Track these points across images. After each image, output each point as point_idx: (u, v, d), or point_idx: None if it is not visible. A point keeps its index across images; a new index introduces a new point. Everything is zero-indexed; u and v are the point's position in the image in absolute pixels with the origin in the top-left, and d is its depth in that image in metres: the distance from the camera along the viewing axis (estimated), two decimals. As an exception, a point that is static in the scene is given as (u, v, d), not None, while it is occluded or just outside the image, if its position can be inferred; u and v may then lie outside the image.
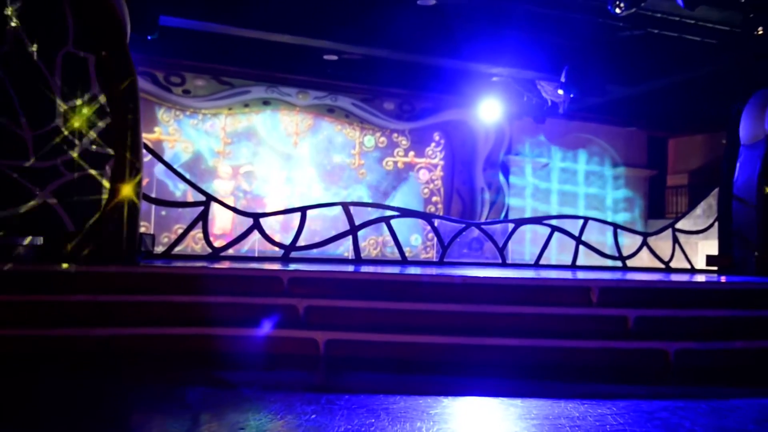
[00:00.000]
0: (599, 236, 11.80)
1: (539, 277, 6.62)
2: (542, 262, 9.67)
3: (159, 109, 13.66)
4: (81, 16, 6.25)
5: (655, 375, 5.24)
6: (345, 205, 8.79)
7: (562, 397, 4.24)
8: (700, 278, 7.69)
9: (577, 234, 9.63)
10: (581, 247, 9.60)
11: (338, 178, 15.01)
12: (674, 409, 4.05)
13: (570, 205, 16.08)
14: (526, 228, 11.48)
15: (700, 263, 10.10)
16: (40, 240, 5.93)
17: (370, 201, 14.41)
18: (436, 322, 5.70)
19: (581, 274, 7.60)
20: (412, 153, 15.73)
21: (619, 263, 9.69)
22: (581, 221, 9.75)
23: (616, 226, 10.11)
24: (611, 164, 16.85)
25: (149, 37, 9.36)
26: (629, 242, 11.10)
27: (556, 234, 9.58)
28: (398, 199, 15.12)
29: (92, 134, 6.28)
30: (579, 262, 9.63)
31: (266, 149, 14.45)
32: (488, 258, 13.31)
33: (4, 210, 5.98)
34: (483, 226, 10.00)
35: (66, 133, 6.20)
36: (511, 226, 9.98)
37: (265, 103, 14.34)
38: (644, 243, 9.95)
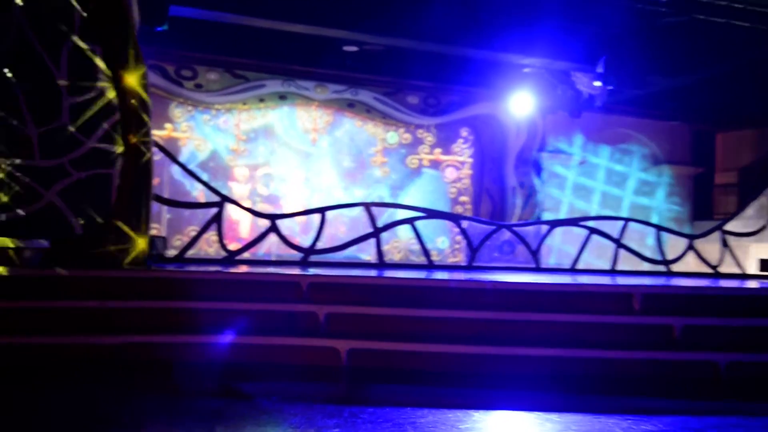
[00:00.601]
0: (641, 239, 11.65)
1: (576, 283, 6.55)
2: (579, 266, 9.59)
3: (170, 105, 13.77)
4: (87, 6, 6.32)
5: (704, 389, 5.15)
6: (367, 206, 8.79)
7: (602, 412, 4.18)
8: (753, 284, 7.56)
9: (616, 236, 9.53)
10: (621, 251, 9.49)
11: (359, 177, 15.00)
12: (725, 427, 3.97)
13: (608, 206, 15.90)
14: (562, 230, 11.38)
15: (752, 268, 9.93)
16: (46, 243, 6.00)
17: (392, 201, 14.38)
18: (465, 330, 5.67)
19: (622, 280, 7.52)
20: (438, 150, 15.66)
21: (662, 268, 9.58)
22: (621, 222, 9.65)
23: (659, 228, 10.00)
24: (653, 161, 16.64)
25: (159, 29, 9.44)
26: (673, 245, 10.95)
27: (594, 237, 9.49)
28: (421, 198, 15.07)
29: (100, 131, 6.35)
30: (619, 267, 9.53)
31: (283, 147, 14.49)
32: (520, 262, 13.20)
33: (8, 211, 6.06)
34: (515, 228, 9.94)
35: (73, 130, 6.27)
36: (545, 227, 9.92)
37: (282, 97, 14.37)
38: (690, 246, 9.82)
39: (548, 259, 13.06)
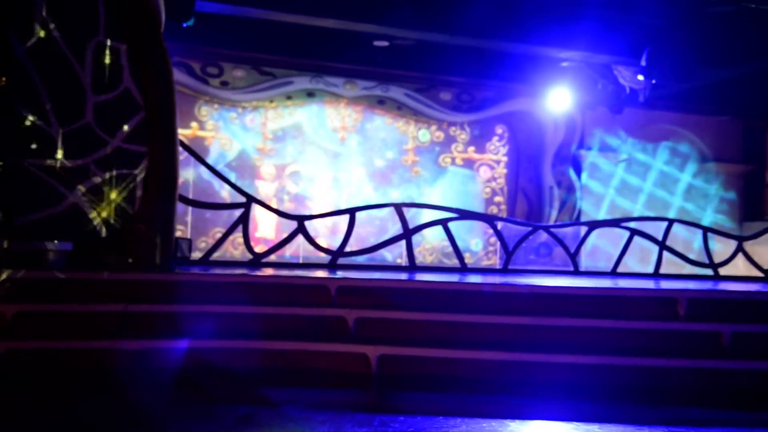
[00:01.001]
0: (686, 241, 11.50)
1: (617, 287, 6.49)
2: (620, 269, 9.49)
3: (195, 103, 13.94)
4: (113, 3, 6.44)
5: (755, 400, 5.06)
6: (398, 207, 8.80)
7: (645, 423, 4.13)
8: (807, 289, 7.40)
9: (660, 238, 9.42)
10: (665, 254, 9.37)
11: (389, 176, 15.02)
12: (777, 439, 3.90)
13: (652, 206, 15.70)
14: (603, 232, 11.27)
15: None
16: (70, 245, 6.11)
17: (424, 202, 14.36)
18: (500, 336, 5.64)
19: (666, 284, 7.42)
20: (471, 148, 15.62)
21: (709, 271, 9.42)
22: (665, 224, 9.53)
23: (705, 230, 9.85)
24: (700, 159, 16.38)
25: (184, 25, 9.56)
26: (721, 248, 10.77)
27: (637, 239, 9.39)
28: (454, 199, 15.03)
29: (125, 130, 6.46)
30: (663, 271, 9.41)
31: (311, 146, 14.57)
32: (558, 265, 13.11)
33: (32, 213, 6.19)
34: (552, 230, 9.88)
35: (97, 129, 6.39)
36: (584, 229, 9.84)
37: (310, 94, 14.46)
38: (739, 248, 9.66)
39: (588, 262, 12.94)
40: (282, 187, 14.32)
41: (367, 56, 13.35)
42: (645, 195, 15.65)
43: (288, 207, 13.94)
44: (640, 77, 12.21)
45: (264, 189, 14.17)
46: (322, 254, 8.51)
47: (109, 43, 6.43)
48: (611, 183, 15.42)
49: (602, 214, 15.08)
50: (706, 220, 15.83)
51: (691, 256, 9.83)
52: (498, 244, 12.22)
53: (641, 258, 10.12)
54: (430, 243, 14.65)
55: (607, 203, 15.29)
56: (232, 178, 13.00)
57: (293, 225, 8.33)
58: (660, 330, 5.77)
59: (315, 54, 13.36)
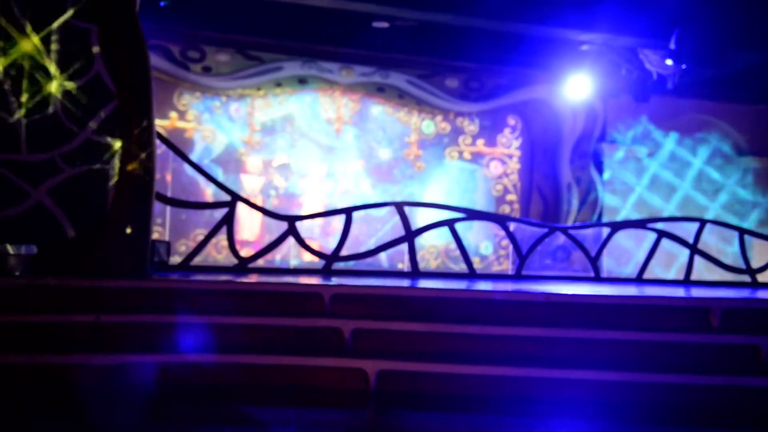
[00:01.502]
0: (720, 244, 11.48)
1: (643, 296, 6.47)
2: (646, 275, 9.48)
3: (174, 91, 13.92)
4: (82, -21, 6.41)
5: (797, 421, 5.06)
6: (399, 206, 8.79)
7: (674, 447, 4.12)
8: None
9: (691, 241, 9.41)
10: (697, 258, 9.36)
11: (390, 172, 15.00)
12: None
13: (682, 205, 15.68)
14: (627, 234, 11.26)
15: None
16: (34, 248, 6.09)
17: (428, 200, 14.34)
18: (512, 350, 5.62)
19: (697, 292, 7.41)
20: (481, 141, 15.60)
21: (746, 278, 9.40)
22: (696, 224, 9.52)
23: (742, 231, 9.82)
24: (736, 152, 16.36)
25: (162, 3, 9.56)
26: (760, 251, 10.75)
27: (664, 242, 9.38)
28: (461, 197, 15.02)
29: (95, 122, 6.44)
30: (694, 277, 9.39)
31: (302, 139, 14.55)
32: (577, 271, 13.10)
33: (-7, 212, 6.17)
34: (570, 231, 9.86)
35: (64, 120, 6.37)
36: (606, 230, 9.81)
37: (301, 81, 14.44)
38: (780, 252, 9.66)
39: (611, 267, 12.93)
40: (269, 182, 14.30)
41: (366, 39, 13.32)
42: (672, 191, 15.62)
43: (274, 204, 13.90)
44: (669, 61, 12.19)
45: (250, 186, 14.15)
46: (315, 258, 8.50)
47: (77, 23, 6.40)
48: (636, 179, 15.40)
49: (628, 211, 15.04)
50: (742, 220, 15.79)
51: (727, 261, 9.81)
52: (510, 247, 12.22)
53: (666, 263, 10.10)
54: (435, 246, 14.64)
55: (632, 201, 15.27)
56: (218, 174, 12.98)
57: (282, 226, 8.32)
58: (691, 343, 5.75)
59: (307, 36, 13.34)
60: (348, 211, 8.55)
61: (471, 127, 15.53)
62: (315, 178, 14.59)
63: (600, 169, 15.05)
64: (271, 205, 13.77)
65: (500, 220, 10.06)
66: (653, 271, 10.86)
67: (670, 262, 9.82)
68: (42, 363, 5.21)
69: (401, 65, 14.55)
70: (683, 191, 15.74)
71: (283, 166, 14.38)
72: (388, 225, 8.77)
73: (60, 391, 4.95)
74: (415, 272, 8.76)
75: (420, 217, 9.72)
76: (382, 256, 12.44)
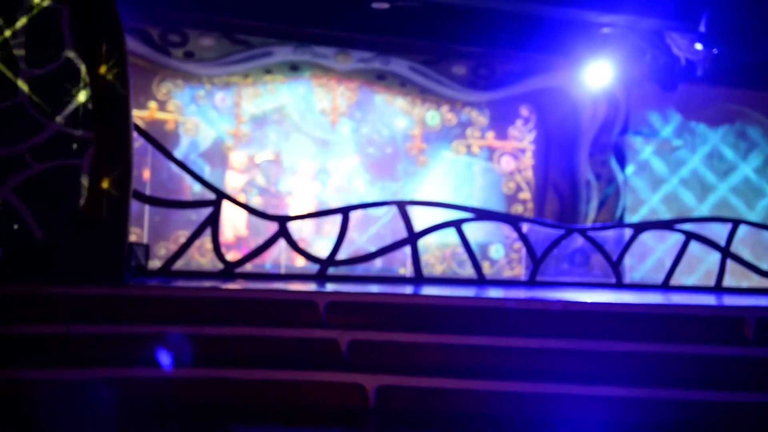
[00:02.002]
0: (756, 247, 11.47)
1: (670, 304, 6.47)
2: (673, 282, 9.48)
3: (154, 78, 13.91)
4: (52, -45, 6.42)
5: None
6: (401, 205, 8.79)
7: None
8: None
9: (723, 244, 9.41)
10: (729, 262, 9.36)
11: (390, 168, 15.00)
12: None
13: (714, 204, 15.68)
14: (652, 236, 11.26)
15: None
16: (-1, 251, 6.10)
17: (432, 199, 14.34)
18: (526, 363, 5.63)
19: (730, 300, 7.40)
20: (491, 134, 15.59)
21: (783, 284, 9.42)
22: (729, 225, 9.52)
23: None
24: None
25: (140, -18, 9.56)
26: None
27: (693, 244, 9.39)
28: (469, 195, 15.03)
29: (67, 112, 6.43)
30: (726, 283, 9.39)
31: (294, 131, 14.55)
32: (597, 276, 13.08)
33: (-46, 212, 6.17)
34: (589, 233, 9.86)
35: (32, 111, 6.36)
36: (628, 232, 9.80)
37: (293, 68, 14.43)
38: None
39: (635, 272, 12.93)
40: (252, 179, 14.27)
41: (364, 21, 13.31)
42: (702, 189, 15.61)
43: (259, 203, 13.87)
44: (698, 46, 12.19)
45: (233, 183, 14.12)
46: (309, 263, 8.50)
47: (47, 3, 6.40)
48: (662, 175, 15.40)
49: (653, 208, 15.03)
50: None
51: (763, 266, 9.81)
52: (523, 250, 12.21)
53: (689, 268, 10.07)
54: (440, 249, 14.63)
55: (658, 198, 15.28)
56: (203, 171, 12.97)
57: (272, 227, 8.32)
58: (723, 356, 5.76)
59: (300, 19, 13.32)
60: (345, 211, 8.57)
61: (480, 118, 15.52)
62: (306, 174, 14.58)
63: (622, 164, 15.05)
64: (255, 204, 13.71)
65: (512, 220, 10.08)
66: (680, 278, 10.86)
67: (693, 267, 9.79)
68: (5, 378, 5.21)
69: (403, 50, 14.54)
70: (716, 190, 15.73)
71: (268, 163, 14.34)
72: (380, 222, 8.77)
73: (23, 409, 4.94)
74: (419, 278, 8.77)
75: (423, 218, 9.67)
76: (379, 261, 12.45)
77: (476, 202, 14.51)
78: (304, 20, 13.37)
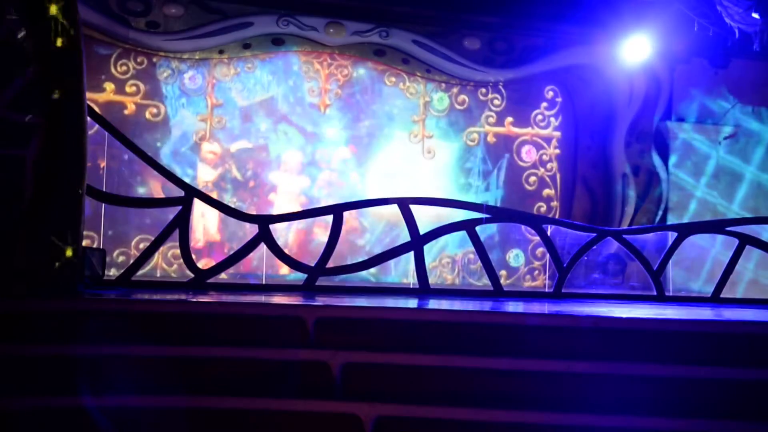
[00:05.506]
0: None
1: (720, 320, 6.47)
2: (724, 294, 9.50)
3: (111, 54, 13.93)
4: None
5: None
6: (403, 203, 8.79)
7: None
8: None
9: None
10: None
11: (389, 160, 15.01)
12: None
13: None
14: (699, 240, 11.27)
15: None
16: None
17: (440, 196, 14.36)
18: (550, 390, 5.64)
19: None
20: (509, 119, 15.60)
21: None
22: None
23: None
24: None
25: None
26: None
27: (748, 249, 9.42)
28: (483, 192, 15.05)
29: (8, 93, 6.44)
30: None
31: (277, 116, 14.56)
32: (634, 287, 13.11)
33: None
34: (625, 236, 9.87)
35: (-33, 92, 6.37)
36: (672, 235, 9.81)
37: (276, 42, 14.43)
38: None
39: (678, 282, 12.95)
40: (226, 172, 14.25)
41: (360, -13, 13.37)
42: (757, 185, 15.59)
43: (234, 202, 13.88)
44: (756, 15, 12.21)
45: (206, 175, 14.11)
46: (295, 271, 8.51)
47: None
48: (708, 170, 15.39)
49: (691, 212, 15.03)
50: None
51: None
52: (547, 257, 12.22)
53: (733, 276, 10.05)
54: (450, 255, 14.65)
55: (703, 199, 15.27)
56: (169, 164, 12.97)
57: (252, 229, 8.33)
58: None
59: (284, -17, 13.37)
60: (337, 210, 8.57)
61: (496, 101, 15.53)
62: (292, 167, 14.57)
63: (665, 155, 15.05)
64: (229, 202, 13.70)
65: (534, 221, 10.07)
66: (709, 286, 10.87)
67: (734, 275, 9.79)
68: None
69: (406, 20, 14.53)
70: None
71: (246, 153, 14.33)
72: (402, 230, 8.75)
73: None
74: (425, 289, 8.76)
75: (428, 218, 9.67)
76: (381, 268, 12.47)
77: (491, 200, 14.53)
78: (290, -15, 13.40)
